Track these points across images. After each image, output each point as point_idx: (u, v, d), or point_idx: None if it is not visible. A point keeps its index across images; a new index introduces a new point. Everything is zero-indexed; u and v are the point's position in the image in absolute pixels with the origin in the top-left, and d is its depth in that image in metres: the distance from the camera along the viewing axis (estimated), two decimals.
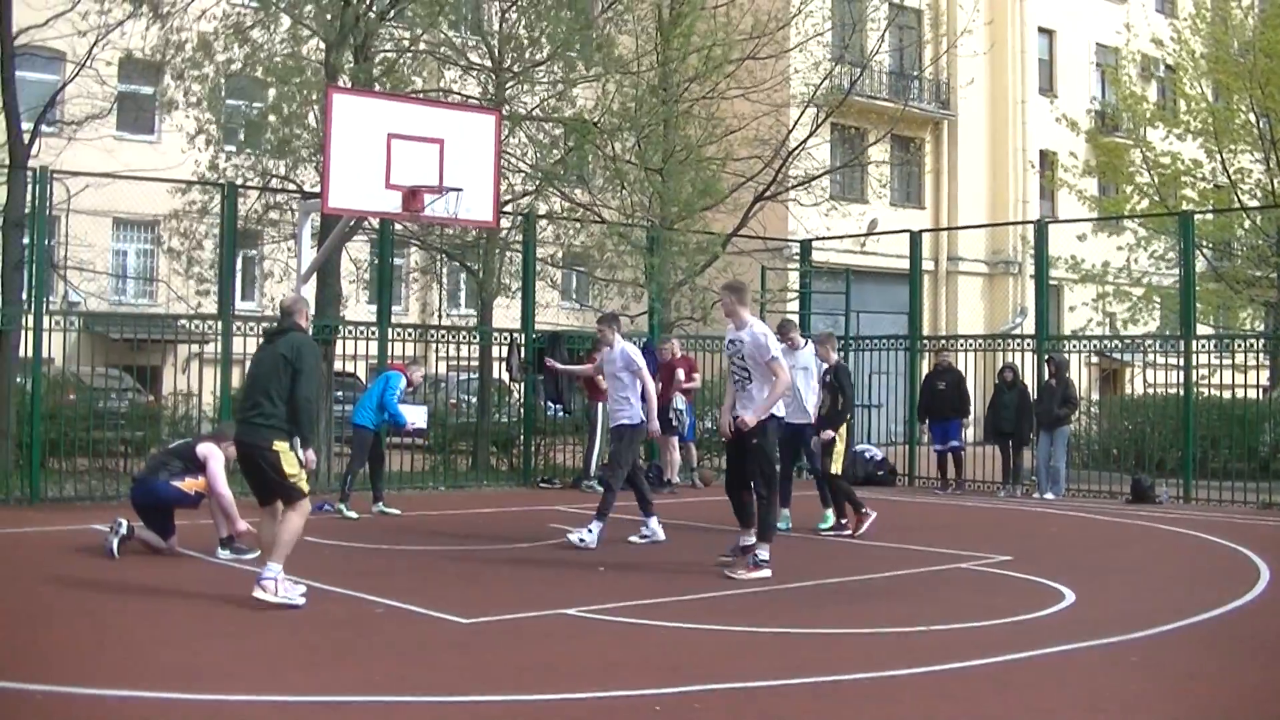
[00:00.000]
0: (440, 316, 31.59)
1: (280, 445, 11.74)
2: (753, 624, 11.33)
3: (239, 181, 23.32)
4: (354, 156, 18.02)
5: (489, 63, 25.78)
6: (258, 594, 11.51)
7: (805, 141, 30.36)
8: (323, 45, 22.87)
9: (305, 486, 11.86)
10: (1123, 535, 19.26)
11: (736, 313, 13.68)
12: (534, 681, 9.17)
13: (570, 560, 15.48)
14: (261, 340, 12.67)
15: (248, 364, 12.76)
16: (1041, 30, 52.06)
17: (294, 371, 11.72)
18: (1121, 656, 10.39)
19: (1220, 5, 38.83)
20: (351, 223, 21.10)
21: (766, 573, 13.30)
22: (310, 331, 12.66)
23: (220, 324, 21.73)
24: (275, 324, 12.60)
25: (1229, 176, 35.84)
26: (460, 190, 18.55)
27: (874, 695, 9.00)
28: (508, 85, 25.62)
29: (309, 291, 20.82)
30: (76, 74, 23.91)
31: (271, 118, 23.01)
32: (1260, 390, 30.52)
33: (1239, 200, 35.82)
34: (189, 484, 14.40)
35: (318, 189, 19.81)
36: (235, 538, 14.13)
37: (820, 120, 31.40)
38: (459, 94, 25.88)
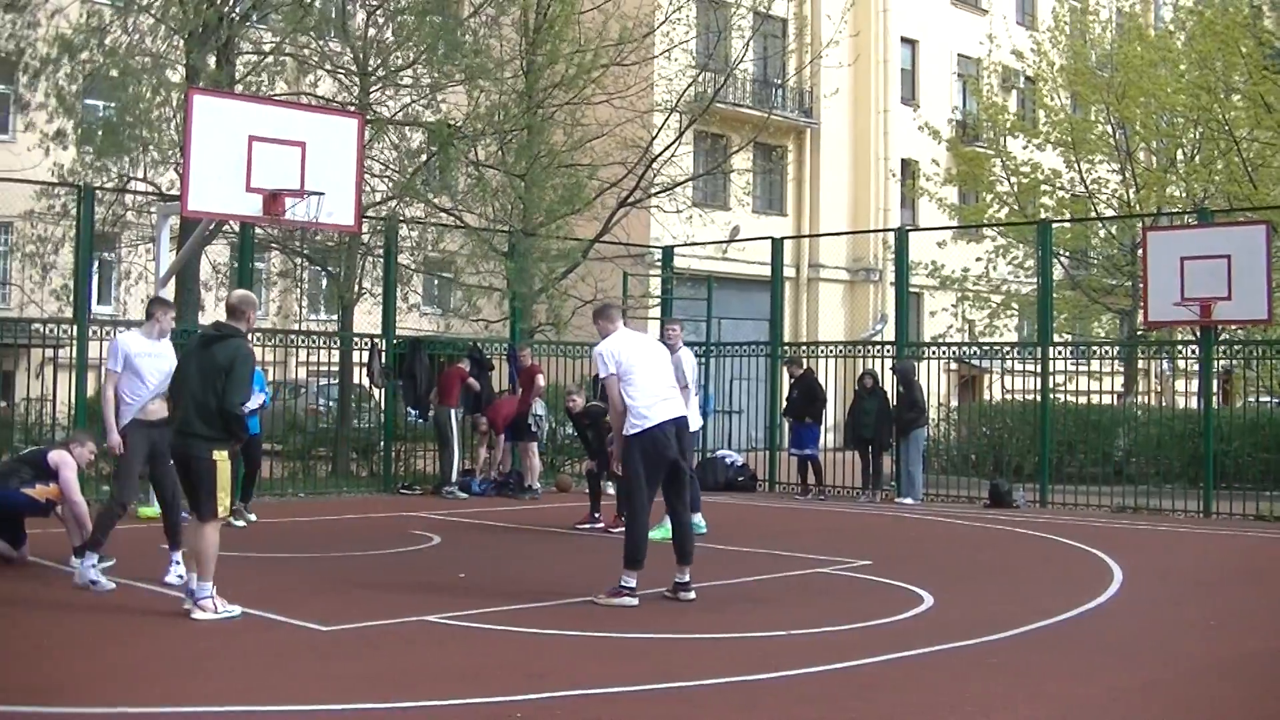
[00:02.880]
0: (300, 322, 31.30)
1: (219, 456, 11.58)
2: (614, 630, 11.30)
3: (96, 184, 22.97)
4: (214, 159, 17.82)
5: (354, 66, 25.61)
6: (198, 615, 11.31)
7: (669, 148, 30.44)
8: (184, 46, 22.59)
9: (225, 507, 11.70)
10: (981, 539, 19.47)
11: (606, 334, 13.38)
12: (394, 689, 9.10)
13: (431, 567, 15.43)
14: (196, 343, 12.36)
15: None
16: (904, 40, 52.63)
17: (225, 378, 11.50)
18: (980, 659, 10.50)
19: (1079, 19, 39.48)
20: (211, 226, 20.86)
21: (629, 601, 12.47)
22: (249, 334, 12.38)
23: (75, 328, 21.33)
24: (214, 327, 12.28)
25: (1086, 186, 36.45)
26: (322, 194, 18.41)
27: (736, 701, 9.02)
28: (372, 90, 25.46)
29: (168, 295, 20.56)
30: None
31: (129, 118, 22.68)
32: (1115, 396, 30.99)
33: (1095, 210, 36.44)
34: (40, 491, 14.10)
35: (177, 191, 19.57)
36: (88, 547, 13.85)
37: (684, 127, 31.50)
38: (322, 98, 25.68)
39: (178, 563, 13.04)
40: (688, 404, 17.97)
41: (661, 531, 16.75)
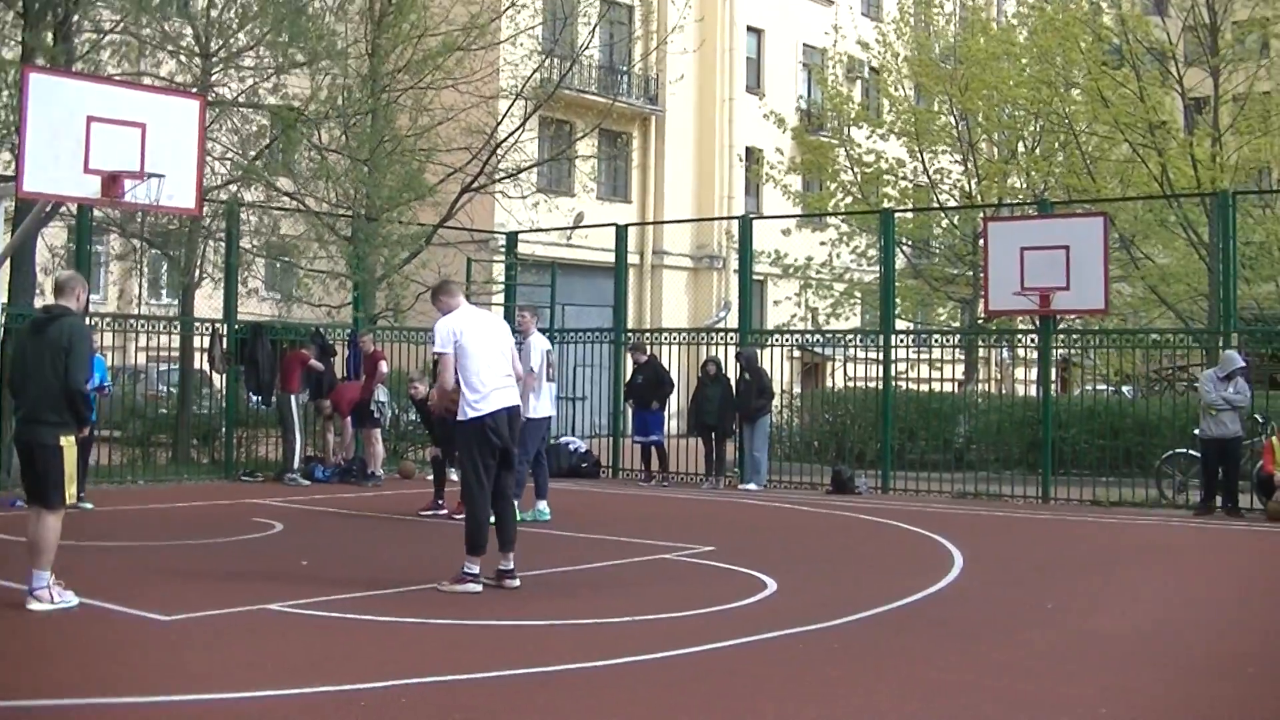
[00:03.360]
0: (140, 306, 30.88)
1: (66, 442, 11.35)
2: (459, 618, 11.25)
3: None
4: (51, 139, 17.46)
5: (195, 47, 25.25)
6: (33, 606, 11.08)
7: (514, 134, 30.36)
8: (20, 22, 22.14)
9: (71, 495, 11.48)
10: (823, 525, 19.65)
11: (446, 310, 13.18)
12: (237, 679, 9.01)
13: (273, 554, 15.30)
14: (29, 326, 12.08)
15: None
16: (750, 29, 52.80)
17: (65, 357, 11.25)
18: (822, 643, 10.59)
19: (924, 11, 39.90)
20: (48, 208, 20.47)
21: (473, 588, 12.45)
22: (85, 312, 12.10)
23: None
24: (44, 310, 12.00)
25: (929, 176, 36.87)
26: (162, 176, 18.12)
27: (581, 686, 9.02)
28: (213, 71, 25.13)
29: (2, 278, 20.21)
30: None
31: None
32: (955, 384, 31.41)
33: (937, 200, 36.84)
34: None
35: (12, 172, 19.18)
36: None
37: (529, 113, 31.43)
38: (164, 78, 25.29)
39: None
40: (540, 392, 18.00)
41: (530, 514, 16.73)
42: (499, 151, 30.11)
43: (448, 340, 12.63)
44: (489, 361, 12.70)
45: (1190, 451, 22.40)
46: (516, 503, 17.30)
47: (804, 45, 54.10)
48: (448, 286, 13.35)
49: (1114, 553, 17.22)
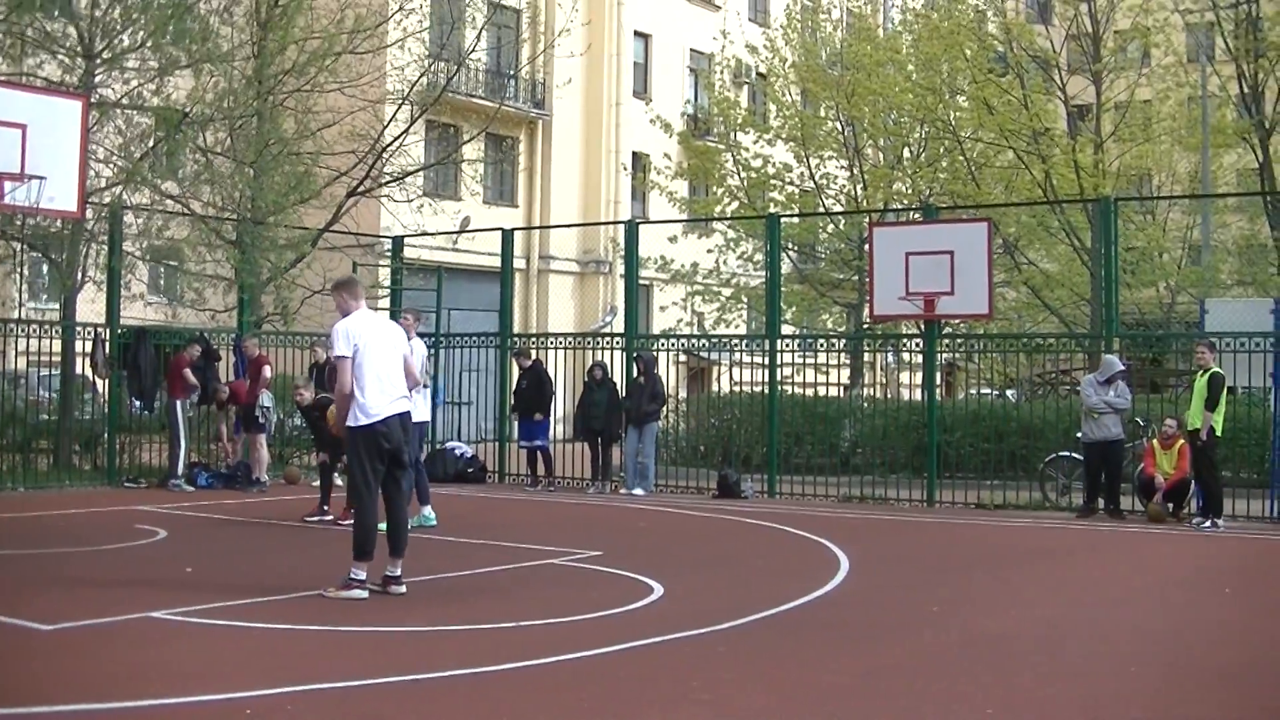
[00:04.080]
0: (20, 310, 30.47)
1: None
2: (346, 624, 11.20)
3: None
4: None
5: (78, 47, 24.98)
6: None
7: (400, 138, 30.25)
8: None
9: None
10: (710, 530, 19.72)
11: (346, 309, 13.07)
12: (121, 689, 8.91)
13: (157, 561, 15.16)
14: None
15: None
16: (637, 34, 52.84)
17: None
18: (710, 647, 10.62)
19: (810, 17, 40.12)
20: None
21: (359, 594, 12.36)
22: None
23: None
24: None
25: (815, 182, 37.06)
26: (43, 179, 17.95)
27: (468, 692, 9.01)
28: (97, 72, 24.86)
29: None
30: None
31: None
32: (841, 388, 31.58)
33: (824, 205, 37.05)
34: None
35: None
36: None
37: (415, 117, 31.32)
38: (46, 79, 24.99)
39: None
40: (420, 397, 17.94)
41: (416, 520, 16.66)
42: (385, 155, 29.99)
43: (346, 342, 12.53)
44: (384, 368, 12.65)
45: (1073, 454, 22.69)
46: (428, 508, 17.40)
47: (691, 50, 54.26)
48: (353, 286, 13.21)
49: (999, 555, 17.39)
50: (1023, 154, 32.78)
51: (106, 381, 25.07)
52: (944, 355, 27.87)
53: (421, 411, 18.57)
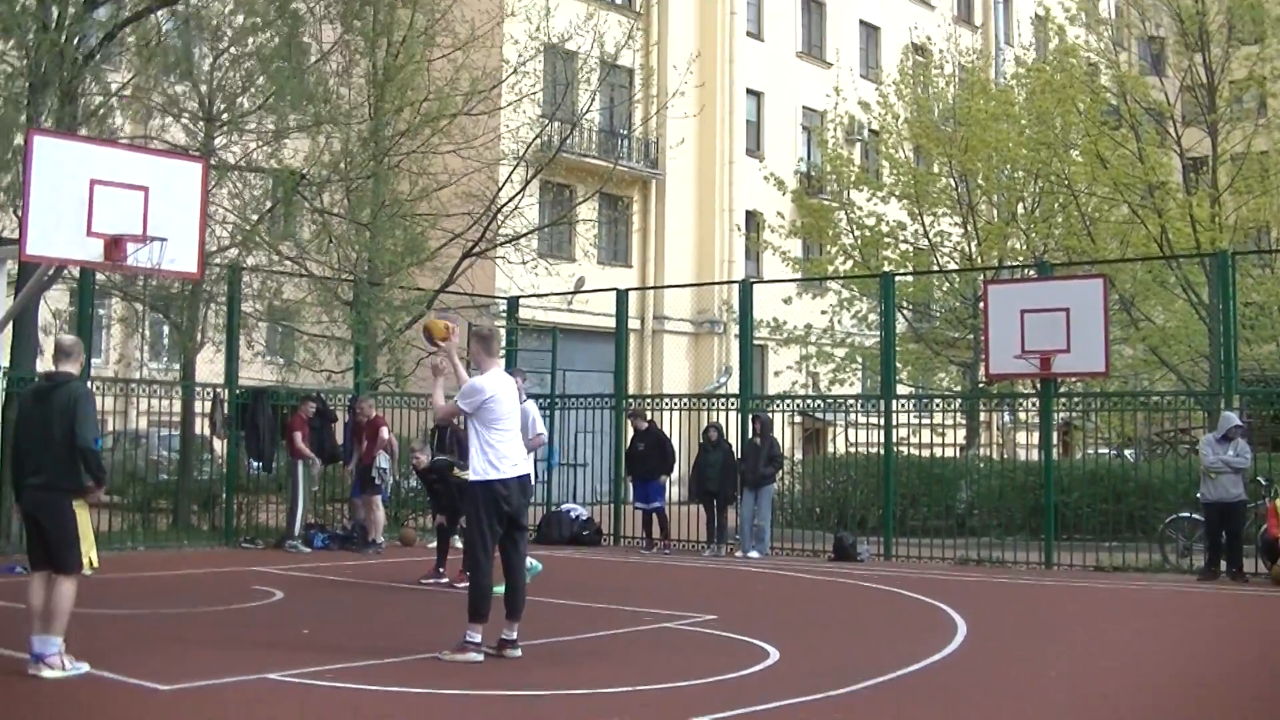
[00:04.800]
0: (141, 369, 30.85)
1: (78, 507, 11.34)
2: (461, 687, 11.17)
3: None
4: (54, 202, 17.44)
5: (199, 111, 25.32)
6: (43, 673, 11.03)
7: (515, 199, 30.40)
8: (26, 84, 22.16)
9: (87, 559, 11.47)
10: (825, 593, 19.55)
11: (480, 364, 13.14)
12: None
13: (273, 622, 15.21)
14: (30, 394, 12.04)
15: None
16: (750, 92, 52.87)
17: (73, 423, 11.24)
18: (827, 712, 10.51)
19: (922, 72, 39.96)
20: (50, 271, 20.45)
21: (475, 657, 12.33)
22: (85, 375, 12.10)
23: None
24: (46, 377, 11.95)
25: (929, 239, 36.79)
26: (164, 240, 18.10)
27: None
28: (217, 134, 25.18)
29: (4, 342, 20.17)
30: None
31: None
32: (956, 449, 31.29)
33: (938, 262, 36.79)
34: None
35: (15, 235, 19.17)
36: None
37: (530, 178, 31.48)
38: (166, 141, 25.33)
39: None
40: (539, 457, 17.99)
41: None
42: (500, 216, 30.15)
43: (475, 401, 12.56)
44: (512, 429, 12.72)
45: (1194, 515, 22.30)
46: (530, 559, 17.34)
47: (803, 108, 54.25)
48: (491, 342, 13.28)
49: (1118, 618, 17.12)
50: (1138, 208, 32.40)
51: (225, 442, 25.28)
52: (1060, 414, 27.57)
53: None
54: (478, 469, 12.59)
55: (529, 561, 18.07)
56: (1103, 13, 36.38)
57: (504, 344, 30.09)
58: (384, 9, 27.08)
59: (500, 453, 12.56)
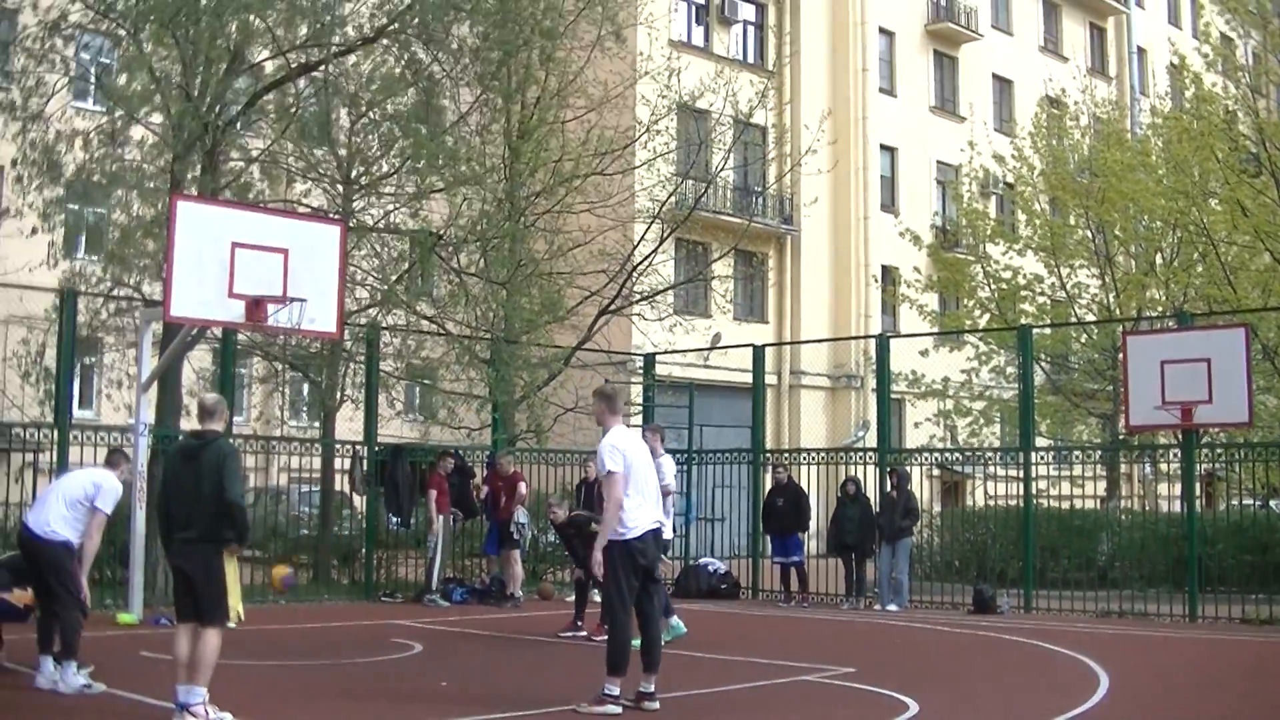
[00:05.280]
0: (282, 427, 31.24)
1: (227, 558, 11.58)
2: None
3: (80, 288, 22.97)
4: (197, 265, 17.81)
5: (337, 174, 25.73)
6: None
7: (650, 256, 30.55)
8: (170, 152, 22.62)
9: (234, 612, 11.71)
10: (966, 646, 19.39)
11: (604, 421, 13.30)
12: None
13: (413, 675, 15.33)
14: (178, 455, 12.32)
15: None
16: (884, 147, 52.78)
17: (222, 481, 11.48)
18: None
19: (1057, 124, 39.73)
20: (194, 332, 20.84)
21: (613, 709, 12.37)
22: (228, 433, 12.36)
23: (56, 432, 21.25)
24: (193, 435, 12.19)
25: (1066, 291, 36.52)
26: (304, 301, 18.40)
27: None
28: (355, 197, 25.56)
29: (149, 401, 20.55)
30: None
31: (117, 221, 22.73)
32: (1097, 500, 30.96)
33: (1075, 314, 36.50)
34: (18, 596, 13.97)
35: (159, 296, 19.55)
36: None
37: (665, 235, 31.62)
38: (305, 204, 25.75)
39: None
40: (669, 510, 18.03)
41: (667, 634, 16.69)
42: (635, 274, 30.31)
43: (617, 459, 12.67)
44: (644, 480, 12.80)
45: None
46: (674, 616, 17.40)
47: (937, 162, 54.09)
48: (615, 402, 13.40)
49: (1266, 671, 16.87)
50: None
51: (364, 498, 25.53)
52: (1203, 465, 27.21)
53: (667, 529, 18.73)
54: (614, 527, 12.66)
55: (674, 622, 18.18)
56: (1240, 59, 35.97)
57: (642, 400, 30.24)
58: (519, 70, 27.38)
59: (633, 508, 12.64)
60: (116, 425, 22.55)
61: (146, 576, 19.91)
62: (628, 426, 13.68)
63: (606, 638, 12.98)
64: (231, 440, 12.31)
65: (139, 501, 19.21)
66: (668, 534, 18.67)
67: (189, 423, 22.56)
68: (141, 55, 21.67)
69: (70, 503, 13.52)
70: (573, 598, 20.26)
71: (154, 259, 22.07)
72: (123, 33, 22.70)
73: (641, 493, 12.75)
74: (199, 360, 26.67)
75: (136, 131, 23.07)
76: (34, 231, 23.30)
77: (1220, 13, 36.93)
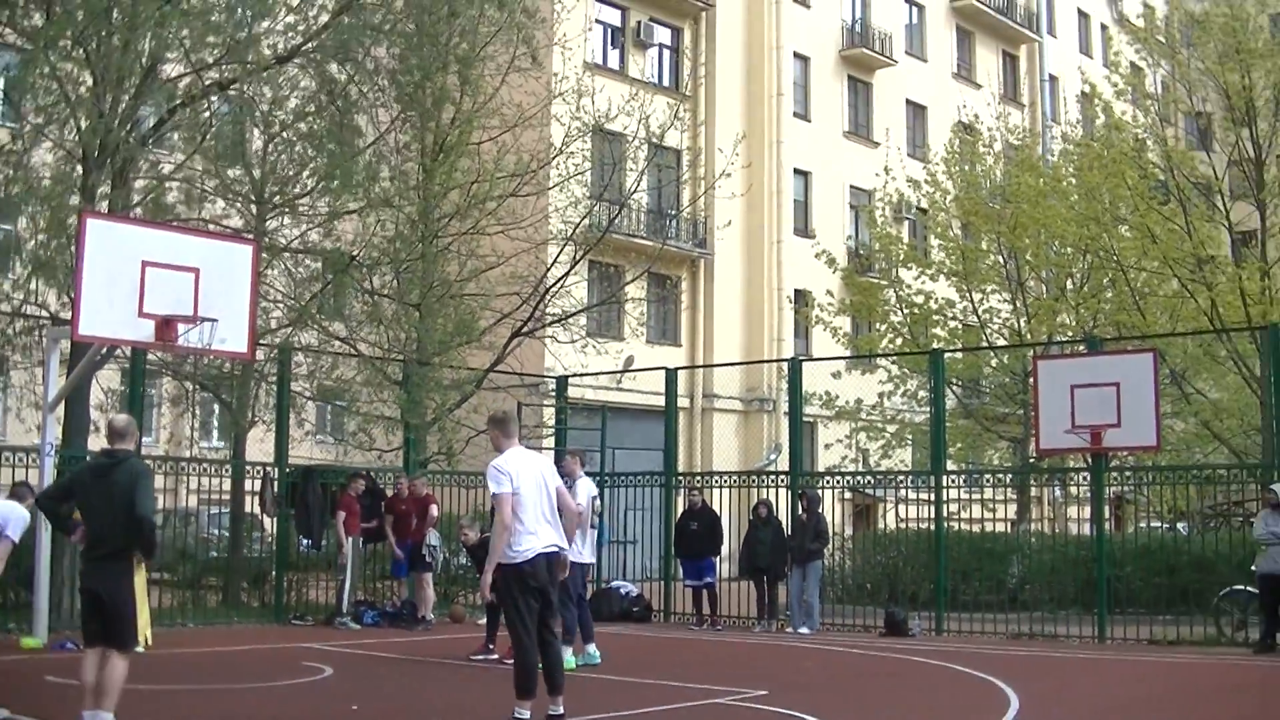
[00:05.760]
0: (192, 448, 31.02)
1: (138, 584, 11.45)
2: None
3: None
4: (106, 283, 17.66)
5: (251, 194, 25.59)
6: None
7: (563, 279, 30.54)
8: (79, 167, 22.42)
9: (144, 633, 11.61)
10: (877, 668, 19.47)
11: (498, 445, 13.29)
12: None
13: (323, 699, 15.25)
14: (88, 472, 12.18)
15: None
16: (797, 172, 52.94)
17: (134, 499, 11.36)
18: None
19: (970, 150, 40.04)
20: (102, 351, 20.66)
21: None
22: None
23: None
24: (103, 453, 12.04)
25: (978, 316, 36.76)
26: (215, 321, 18.29)
27: None
28: (269, 216, 25.42)
29: (56, 420, 20.33)
30: None
31: (26, 239, 22.51)
32: (1008, 524, 31.14)
33: (987, 339, 36.77)
34: None
35: (68, 315, 19.38)
36: None
37: (578, 258, 31.61)
38: (218, 224, 25.57)
39: None
40: (585, 537, 18.03)
41: (581, 659, 16.67)
42: (548, 296, 30.29)
43: (504, 480, 12.64)
44: (532, 506, 12.71)
45: (1249, 588, 22.10)
46: (569, 649, 17.33)
47: (851, 186, 54.32)
48: (507, 426, 13.35)
49: (1173, 693, 17.00)
50: (1187, 282, 32.31)
51: (275, 519, 25.38)
52: (1112, 488, 27.41)
53: (588, 553, 18.74)
54: (503, 550, 12.63)
55: (590, 650, 18.18)
56: (1149, 88, 36.38)
57: (554, 423, 30.21)
58: (434, 91, 27.33)
59: (521, 531, 12.59)
60: (23, 446, 22.29)
61: (52, 600, 19.70)
62: (527, 449, 13.61)
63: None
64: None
65: (43, 525, 18.98)
66: (587, 557, 18.74)
67: (97, 442, 22.43)
68: (52, 69, 21.46)
69: None
70: (484, 620, 20.19)
71: (61, 276, 21.82)
72: (30, 47, 22.48)
73: (529, 516, 12.67)
74: (108, 380, 26.44)
75: (45, 148, 22.86)
76: None
77: (1130, 42, 37.43)
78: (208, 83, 23.67)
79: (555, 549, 12.85)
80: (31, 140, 22.47)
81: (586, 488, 18.56)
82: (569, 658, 18.01)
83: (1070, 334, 35.10)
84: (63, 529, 12.52)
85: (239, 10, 23.13)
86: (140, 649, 17.47)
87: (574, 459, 18.90)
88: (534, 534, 12.63)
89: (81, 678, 11.48)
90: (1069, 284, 36.42)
